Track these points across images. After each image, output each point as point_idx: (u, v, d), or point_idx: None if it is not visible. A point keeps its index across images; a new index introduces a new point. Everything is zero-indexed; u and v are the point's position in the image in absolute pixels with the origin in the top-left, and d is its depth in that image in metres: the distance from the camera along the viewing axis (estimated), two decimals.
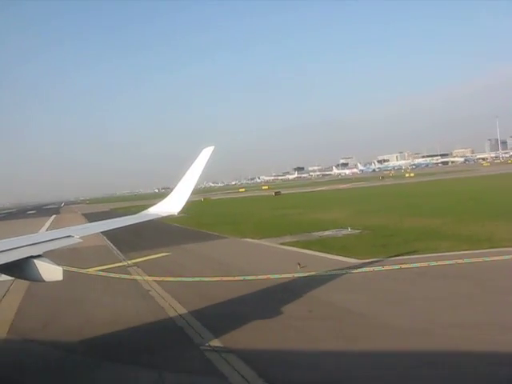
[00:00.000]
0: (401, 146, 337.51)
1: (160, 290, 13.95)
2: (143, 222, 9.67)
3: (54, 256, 6.49)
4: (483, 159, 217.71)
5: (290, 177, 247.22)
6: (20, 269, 6.51)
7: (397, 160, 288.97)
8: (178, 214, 9.69)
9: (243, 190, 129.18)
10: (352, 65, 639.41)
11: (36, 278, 6.53)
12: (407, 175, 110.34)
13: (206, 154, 9.80)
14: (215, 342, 9.02)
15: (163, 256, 21.24)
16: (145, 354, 8.74)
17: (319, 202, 52.93)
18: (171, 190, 10.49)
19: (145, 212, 10.48)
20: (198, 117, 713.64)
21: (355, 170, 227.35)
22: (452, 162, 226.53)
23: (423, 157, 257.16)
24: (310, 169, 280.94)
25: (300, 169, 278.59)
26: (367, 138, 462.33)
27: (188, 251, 22.70)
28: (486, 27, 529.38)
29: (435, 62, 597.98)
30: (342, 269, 14.92)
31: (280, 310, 10.82)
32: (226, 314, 11.10)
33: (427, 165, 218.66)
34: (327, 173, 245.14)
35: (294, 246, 21.08)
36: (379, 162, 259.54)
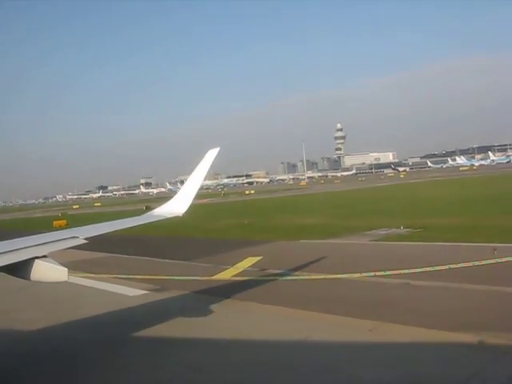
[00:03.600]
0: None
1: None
2: (148, 223, 10.14)
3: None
4: (282, 180, 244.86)
5: (94, 195, 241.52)
6: (25, 269, 7.01)
7: None
8: (183, 215, 10.13)
9: (77, 206, 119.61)
10: (148, 82, 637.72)
11: (41, 279, 7.14)
12: (247, 192, 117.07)
13: (211, 155, 10.37)
14: None
15: (261, 259, 20.03)
16: None
17: (239, 211, 53.24)
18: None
19: (150, 213, 11.02)
20: None
21: (163, 189, 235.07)
22: (257, 182, 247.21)
23: (228, 177, 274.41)
24: (113, 188, 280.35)
25: (104, 187, 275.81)
26: (166, 157, 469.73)
27: (276, 254, 21.71)
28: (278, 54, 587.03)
29: (227, 87, 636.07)
30: None
31: None
32: None
33: (235, 185, 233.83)
34: (131, 192, 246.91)
35: (390, 241, 22.22)
36: (182, 182, 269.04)
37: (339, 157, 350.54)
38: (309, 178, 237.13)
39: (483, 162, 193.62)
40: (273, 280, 15.99)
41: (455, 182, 77.79)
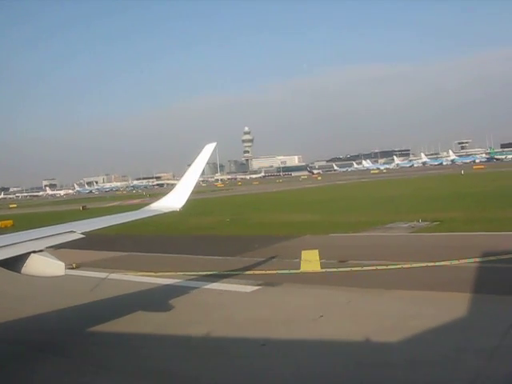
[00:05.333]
0: (105, 169, 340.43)
1: None
2: (145, 218, 10.27)
3: None
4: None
5: None
6: (22, 263, 7.27)
7: (103, 182, 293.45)
8: (180, 209, 10.45)
9: (15, 205, 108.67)
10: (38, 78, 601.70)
11: (38, 273, 7.46)
12: None
13: (208, 150, 10.73)
14: None
15: (320, 252, 19.21)
16: None
17: (198, 210, 51.23)
18: None
19: (147, 208, 11.10)
20: None
21: (70, 191, 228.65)
22: (167, 184, 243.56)
23: (138, 179, 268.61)
24: (14, 189, 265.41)
25: (5, 189, 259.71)
26: (68, 159, 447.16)
27: (327, 246, 21.00)
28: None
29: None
30: None
31: None
32: None
33: (145, 186, 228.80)
34: (35, 194, 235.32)
35: (427, 232, 22.72)
36: (88, 183, 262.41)
37: (247, 160, 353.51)
38: (220, 180, 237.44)
39: (388, 166, 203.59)
40: (377, 270, 15.38)
41: (385, 183, 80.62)
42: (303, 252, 19.29)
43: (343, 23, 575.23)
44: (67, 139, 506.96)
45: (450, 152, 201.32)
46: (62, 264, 7.21)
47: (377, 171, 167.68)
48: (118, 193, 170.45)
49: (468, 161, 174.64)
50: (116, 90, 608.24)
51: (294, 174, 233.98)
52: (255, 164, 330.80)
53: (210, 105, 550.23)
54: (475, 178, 68.71)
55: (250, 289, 14.13)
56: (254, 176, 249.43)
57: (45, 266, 7.27)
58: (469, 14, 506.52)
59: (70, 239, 8.11)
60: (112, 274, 17.71)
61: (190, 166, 11.03)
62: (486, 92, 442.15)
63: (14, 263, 7.27)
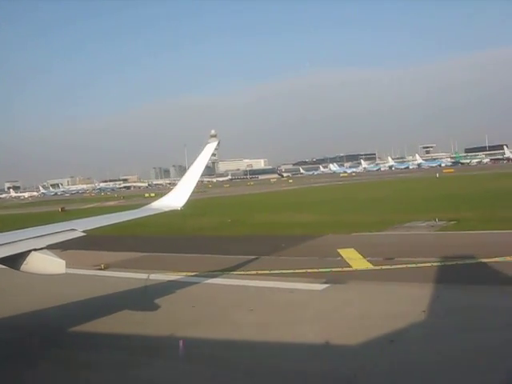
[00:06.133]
0: (69, 171, 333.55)
1: None
2: (146, 217, 10.37)
3: None
4: (160, 185, 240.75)
5: None
6: (23, 261, 7.26)
7: (68, 184, 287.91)
8: (181, 208, 10.49)
9: None
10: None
11: (39, 271, 7.48)
12: (147, 195, 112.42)
13: (209, 148, 10.92)
14: None
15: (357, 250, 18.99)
16: None
17: (189, 211, 50.12)
18: None
19: (148, 206, 11.11)
20: None
21: (35, 194, 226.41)
22: (134, 186, 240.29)
23: (105, 181, 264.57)
24: None
25: None
26: (31, 161, 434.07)
27: (360, 245, 20.58)
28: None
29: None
30: None
31: None
32: None
33: (113, 189, 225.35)
34: (1, 196, 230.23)
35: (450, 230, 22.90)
36: (53, 185, 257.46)
37: (213, 162, 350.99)
38: None
39: (355, 170, 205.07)
40: (432, 266, 15.20)
41: (364, 185, 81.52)
42: (340, 250, 18.86)
43: (311, 26, 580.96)
44: (28, 141, 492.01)
45: (417, 156, 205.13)
46: (62, 262, 7.10)
47: (346, 174, 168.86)
48: (85, 195, 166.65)
49: (434, 165, 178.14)
50: (81, 91, 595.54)
51: (260, 177, 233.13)
52: (221, 167, 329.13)
53: (175, 107, 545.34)
54: (453, 181, 70.02)
55: (319, 287, 13.60)
56: (220, 179, 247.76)
57: (45, 263, 7.17)
58: (434, 19, 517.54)
59: (71, 237, 7.96)
60: (153, 275, 16.76)
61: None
62: (451, 98, 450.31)
63: (15, 261, 7.14)
